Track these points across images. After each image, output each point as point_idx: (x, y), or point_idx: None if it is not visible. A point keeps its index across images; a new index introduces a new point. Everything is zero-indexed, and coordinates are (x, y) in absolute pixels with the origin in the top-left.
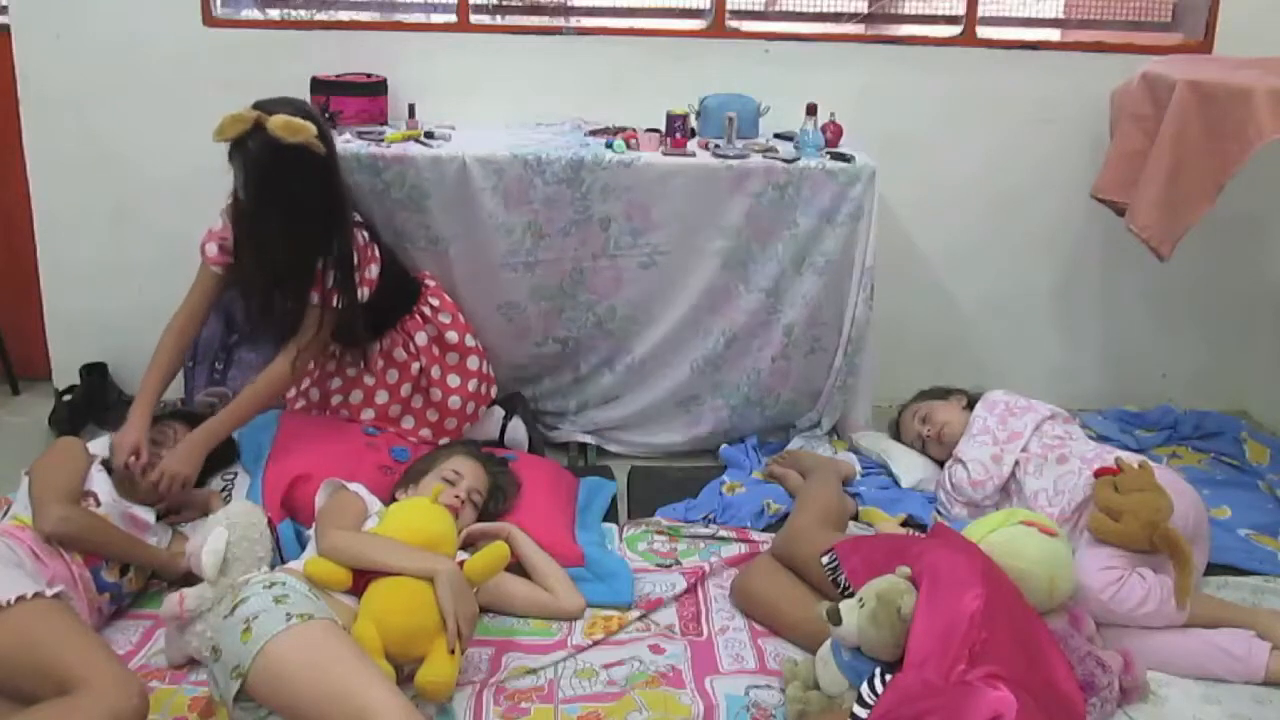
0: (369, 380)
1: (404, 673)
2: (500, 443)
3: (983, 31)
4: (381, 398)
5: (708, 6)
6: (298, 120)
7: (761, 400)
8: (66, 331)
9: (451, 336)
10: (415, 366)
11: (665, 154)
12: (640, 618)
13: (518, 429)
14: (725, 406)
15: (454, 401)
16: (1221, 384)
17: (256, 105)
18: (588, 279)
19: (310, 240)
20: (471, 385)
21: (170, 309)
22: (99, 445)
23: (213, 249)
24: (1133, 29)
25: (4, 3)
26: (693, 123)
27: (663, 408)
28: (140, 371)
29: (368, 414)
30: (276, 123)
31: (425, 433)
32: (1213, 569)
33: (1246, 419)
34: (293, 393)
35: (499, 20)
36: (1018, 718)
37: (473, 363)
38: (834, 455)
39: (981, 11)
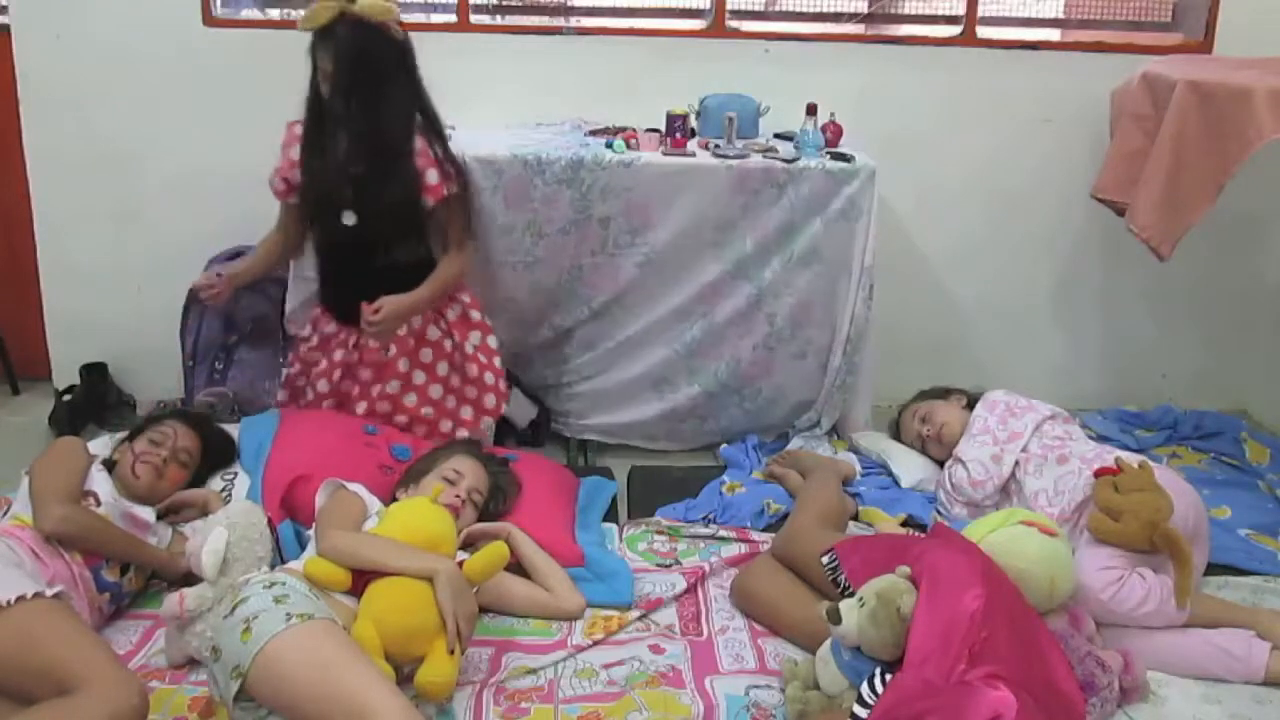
0: (403, 366)
1: (404, 673)
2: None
3: (983, 31)
4: (419, 378)
5: (708, 6)
6: (382, 3)
7: (740, 390)
8: (66, 331)
9: (474, 315)
10: (449, 344)
11: (665, 154)
12: (640, 618)
13: (520, 402)
14: (700, 392)
15: (489, 377)
16: (1221, 384)
17: None
18: (585, 276)
19: (407, 120)
20: (498, 362)
21: (170, 309)
22: (99, 445)
23: (279, 184)
24: (1133, 29)
25: (4, 3)
26: (693, 123)
27: (635, 387)
28: (140, 371)
29: (410, 399)
30: (367, 4)
31: (467, 412)
32: (1213, 569)
33: (1246, 419)
34: (325, 386)
35: (499, 20)
36: (1018, 718)
37: (492, 340)
38: (834, 455)
39: (981, 11)
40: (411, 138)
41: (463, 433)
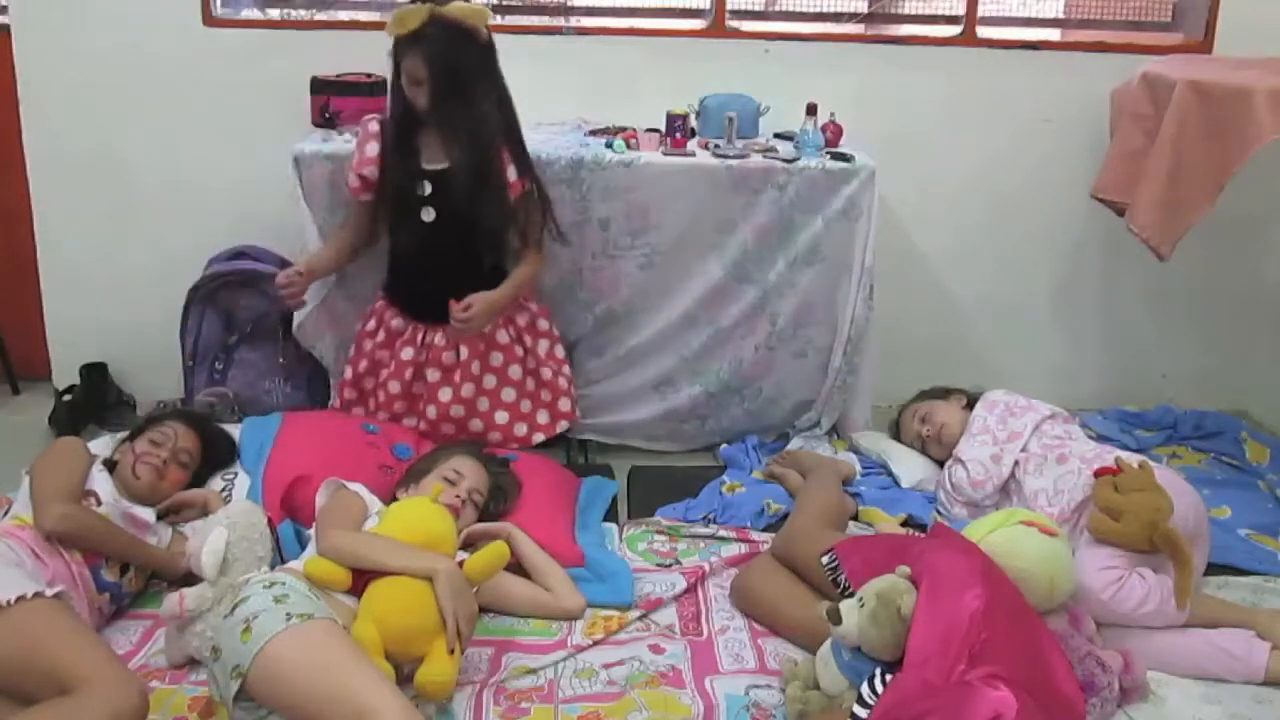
0: (475, 368)
1: (404, 673)
2: None
3: (983, 31)
4: (490, 382)
5: (708, 6)
6: (474, 4)
7: (741, 389)
8: (66, 331)
9: (543, 323)
10: (519, 349)
11: (665, 154)
12: (640, 618)
13: None
14: (701, 392)
15: (562, 382)
16: (1221, 384)
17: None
18: (586, 279)
19: (495, 120)
20: (568, 369)
21: (170, 309)
22: (99, 445)
23: (354, 180)
24: (1133, 29)
25: (4, 3)
26: (693, 123)
27: (638, 389)
28: (140, 371)
29: (482, 403)
30: (458, 8)
31: (543, 416)
32: (1213, 569)
33: (1246, 419)
34: (397, 387)
35: (499, 20)
36: (1018, 718)
37: (559, 350)
38: (834, 455)
39: (981, 11)
40: (497, 137)
41: (539, 436)
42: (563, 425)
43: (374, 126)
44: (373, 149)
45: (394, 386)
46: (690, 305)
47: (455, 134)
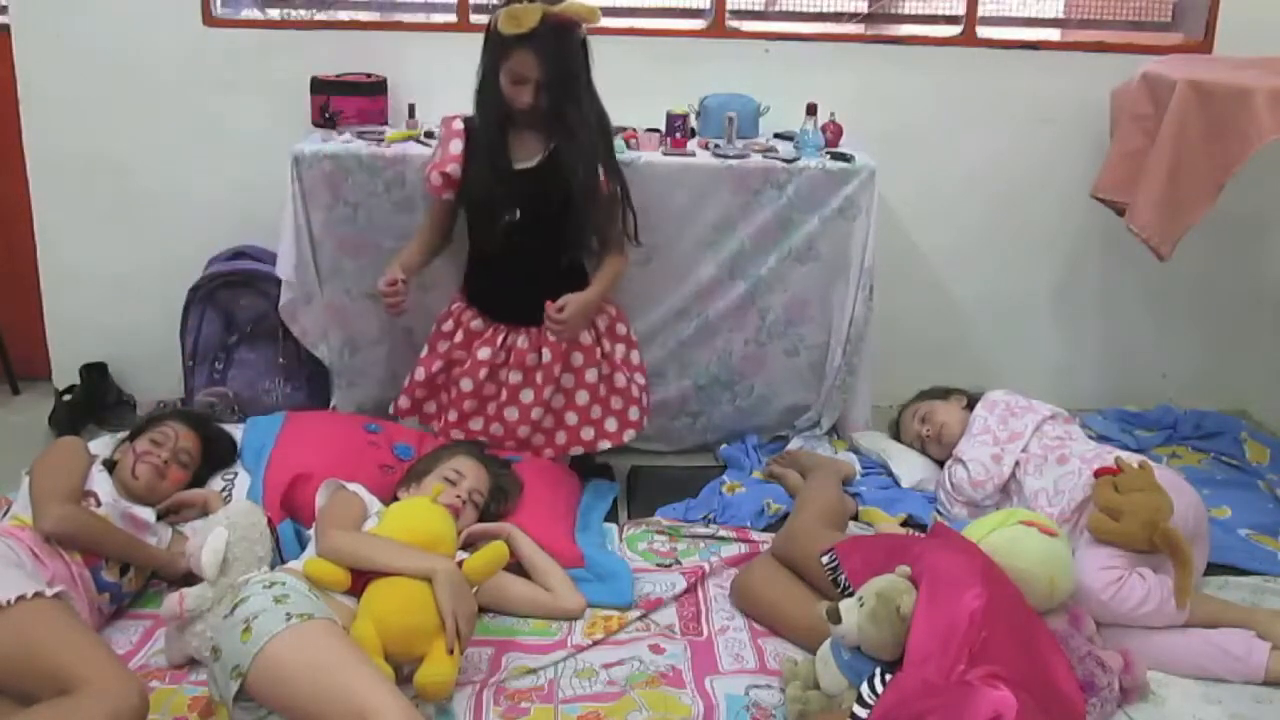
0: (556, 370)
1: (404, 673)
2: None
3: (983, 31)
4: (568, 381)
5: (708, 6)
6: (585, 4)
7: (731, 385)
8: (66, 331)
9: (621, 328)
10: (599, 351)
11: (665, 154)
12: (640, 618)
13: None
14: (690, 385)
15: (635, 390)
16: (1221, 384)
17: (509, 2)
18: None
19: (592, 122)
20: (640, 378)
21: (170, 309)
22: (99, 445)
23: (436, 178)
24: (1133, 29)
25: (4, 3)
26: (693, 123)
27: None
28: (140, 371)
29: (558, 400)
30: (571, 6)
31: (612, 424)
32: (1213, 569)
33: (1246, 419)
34: (469, 386)
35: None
36: (1018, 718)
37: (636, 356)
38: (834, 455)
39: (981, 11)
40: (596, 137)
41: (605, 444)
42: (629, 435)
43: (459, 125)
44: (456, 146)
45: (466, 385)
46: (684, 302)
47: (559, 133)
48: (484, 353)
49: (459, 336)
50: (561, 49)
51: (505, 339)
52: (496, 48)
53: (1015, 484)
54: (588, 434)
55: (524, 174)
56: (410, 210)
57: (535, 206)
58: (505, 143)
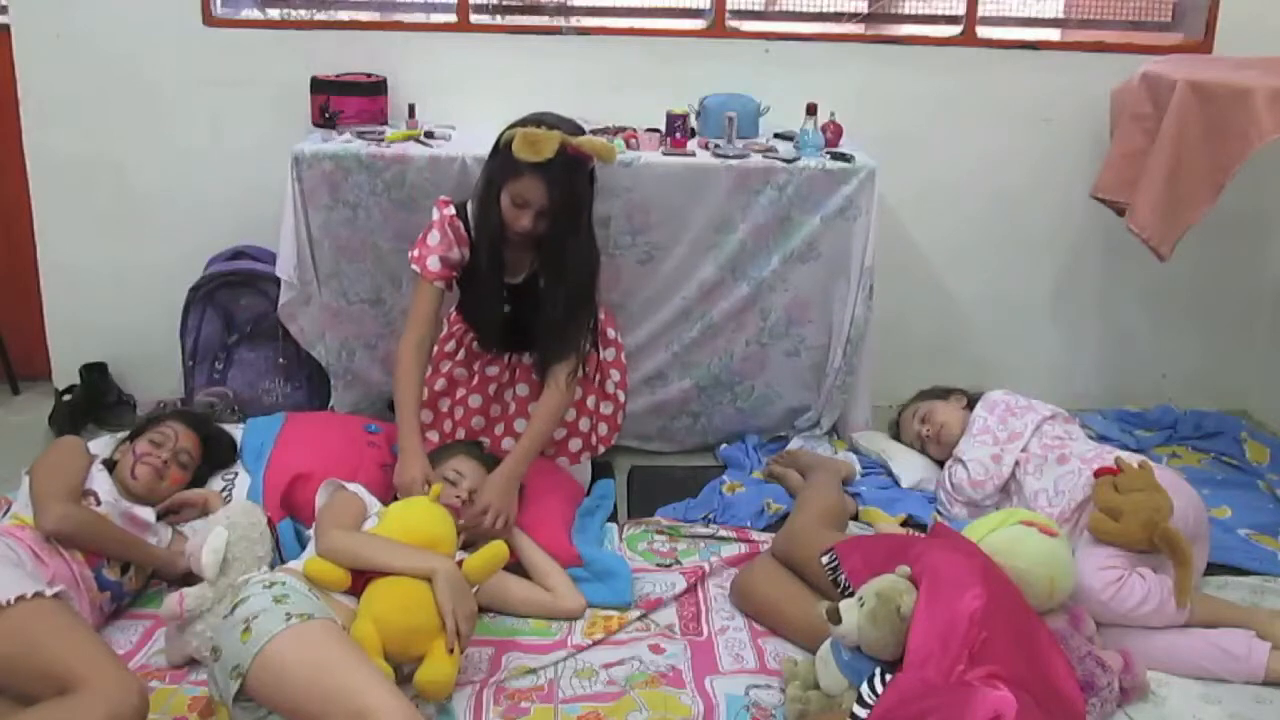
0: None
1: (403, 673)
2: None
3: (983, 31)
4: (570, 414)
5: (708, 6)
6: (604, 141)
7: (732, 386)
8: (66, 331)
9: (610, 333)
10: (598, 378)
11: (665, 154)
12: (640, 618)
13: None
14: (692, 386)
15: (621, 395)
16: (1221, 384)
17: (526, 122)
18: None
19: (592, 253)
20: (622, 396)
21: (170, 309)
22: (99, 445)
23: (435, 264)
24: (1133, 29)
25: (4, 2)
26: (693, 123)
27: (633, 386)
28: (140, 371)
29: (559, 432)
30: (589, 143)
31: (603, 428)
32: (1213, 569)
33: (1246, 419)
34: (478, 402)
35: (499, 20)
36: (1018, 718)
37: (624, 357)
38: (834, 455)
39: (981, 11)
40: (594, 266)
41: (586, 456)
42: (601, 449)
43: (450, 211)
44: (449, 236)
45: (475, 401)
46: (686, 303)
47: (548, 261)
48: (492, 369)
49: (461, 355)
50: (572, 181)
51: (510, 358)
52: (506, 166)
53: (1015, 484)
54: (575, 445)
55: (517, 287)
56: (410, 210)
57: (527, 308)
58: (502, 259)
